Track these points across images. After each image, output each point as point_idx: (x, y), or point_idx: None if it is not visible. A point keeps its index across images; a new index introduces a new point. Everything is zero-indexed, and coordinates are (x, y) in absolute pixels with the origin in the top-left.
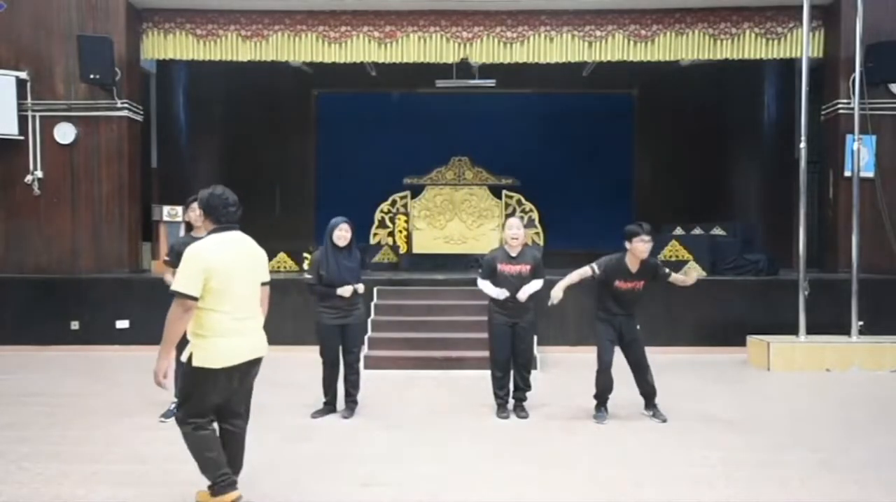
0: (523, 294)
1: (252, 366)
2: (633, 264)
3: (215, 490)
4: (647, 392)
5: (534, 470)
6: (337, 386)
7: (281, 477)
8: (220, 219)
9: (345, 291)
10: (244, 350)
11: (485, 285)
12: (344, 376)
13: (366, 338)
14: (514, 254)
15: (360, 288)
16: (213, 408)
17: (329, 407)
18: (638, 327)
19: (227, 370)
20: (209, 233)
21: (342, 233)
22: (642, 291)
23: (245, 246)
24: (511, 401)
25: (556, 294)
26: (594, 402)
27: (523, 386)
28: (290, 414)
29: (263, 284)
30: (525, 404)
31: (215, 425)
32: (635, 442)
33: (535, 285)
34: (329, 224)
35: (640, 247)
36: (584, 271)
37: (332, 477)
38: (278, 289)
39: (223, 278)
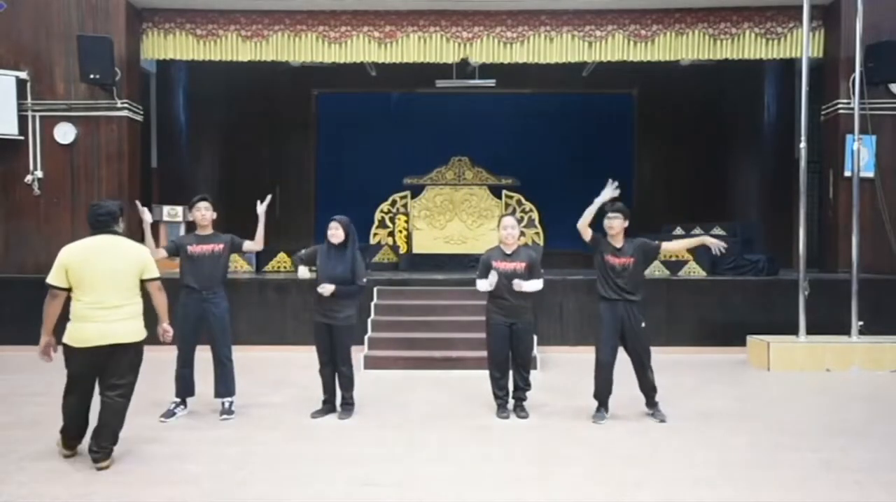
0: (517, 286)
1: (115, 349)
2: (614, 240)
3: (60, 438)
4: (646, 390)
5: (534, 470)
6: (334, 386)
7: (281, 477)
8: (92, 226)
9: (324, 289)
10: (97, 334)
11: (481, 283)
12: (336, 378)
13: (366, 338)
14: (508, 252)
15: (327, 289)
16: (79, 378)
17: (328, 406)
18: (643, 325)
19: (83, 349)
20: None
21: (332, 231)
22: (636, 270)
23: (111, 246)
24: (511, 401)
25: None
26: (594, 402)
27: (523, 386)
28: (290, 414)
29: (147, 281)
30: (525, 404)
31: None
32: (635, 442)
33: (535, 284)
34: None
35: (606, 225)
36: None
37: (332, 477)
38: (278, 289)
39: (76, 273)
